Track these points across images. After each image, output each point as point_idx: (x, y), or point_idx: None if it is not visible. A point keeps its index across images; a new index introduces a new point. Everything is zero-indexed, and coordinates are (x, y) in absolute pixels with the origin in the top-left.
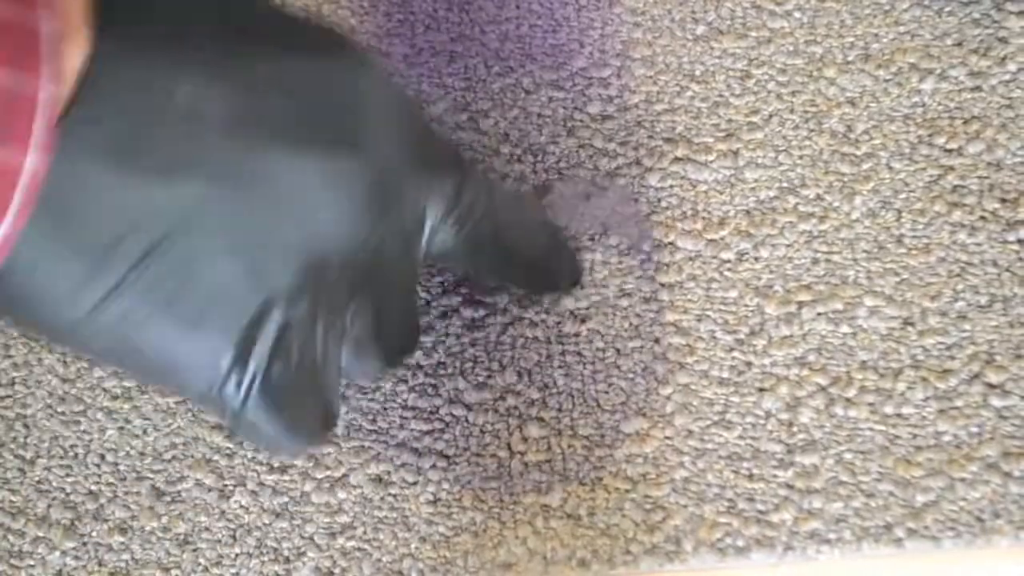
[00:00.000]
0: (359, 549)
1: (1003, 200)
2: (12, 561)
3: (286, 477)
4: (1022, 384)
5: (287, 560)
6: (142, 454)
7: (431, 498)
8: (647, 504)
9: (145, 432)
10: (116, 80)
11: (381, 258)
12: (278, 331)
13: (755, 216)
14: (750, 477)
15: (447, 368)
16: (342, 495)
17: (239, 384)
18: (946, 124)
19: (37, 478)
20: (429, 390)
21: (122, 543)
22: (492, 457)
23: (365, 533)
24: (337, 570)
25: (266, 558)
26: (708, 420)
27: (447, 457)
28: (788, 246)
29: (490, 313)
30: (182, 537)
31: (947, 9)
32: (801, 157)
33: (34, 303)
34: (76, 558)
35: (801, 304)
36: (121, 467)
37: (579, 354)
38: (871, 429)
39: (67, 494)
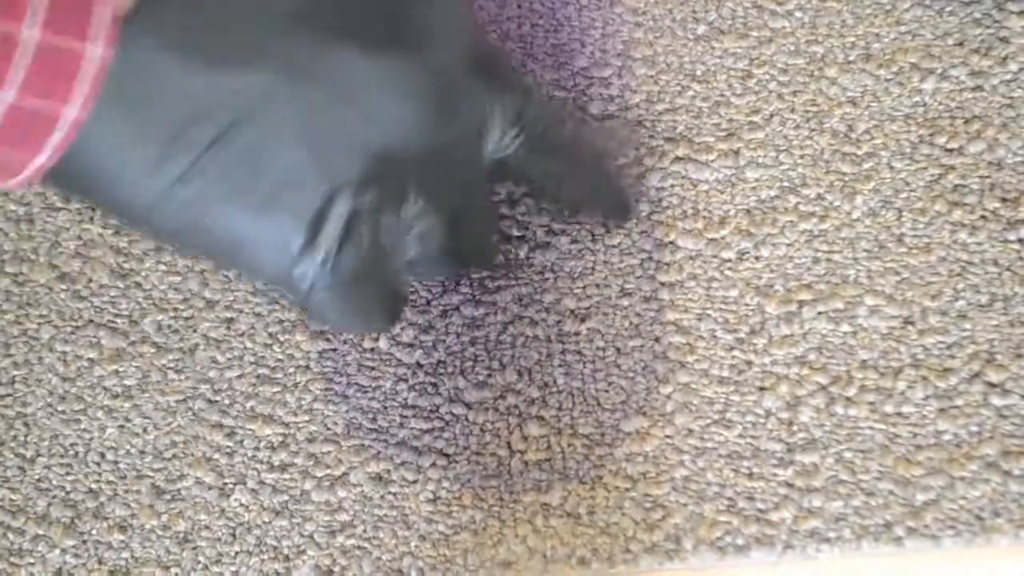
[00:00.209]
0: (359, 547)
1: (1004, 199)
2: (12, 559)
3: (286, 475)
4: (1022, 383)
5: (287, 558)
6: (142, 452)
7: (431, 496)
8: (647, 502)
9: (145, 430)
10: None
11: (446, 158)
12: (347, 218)
13: (756, 215)
14: (750, 476)
15: (447, 367)
16: (342, 493)
17: (309, 267)
18: (947, 124)
19: (37, 476)
20: (429, 388)
21: (122, 541)
22: (492, 455)
23: (365, 531)
24: (337, 568)
25: (266, 556)
26: (708, 419)
27: (447, 455)
28: (789, 245)
29: (490, 312)
30: (182, 535)
31: (948, 9)
32: (802, 156)
33: (111, 185)
34: (76, 556)
35: (802, 303)
36: (121, 465)
37: (579, 353)
38: (871, 428)
39: (67, 492)
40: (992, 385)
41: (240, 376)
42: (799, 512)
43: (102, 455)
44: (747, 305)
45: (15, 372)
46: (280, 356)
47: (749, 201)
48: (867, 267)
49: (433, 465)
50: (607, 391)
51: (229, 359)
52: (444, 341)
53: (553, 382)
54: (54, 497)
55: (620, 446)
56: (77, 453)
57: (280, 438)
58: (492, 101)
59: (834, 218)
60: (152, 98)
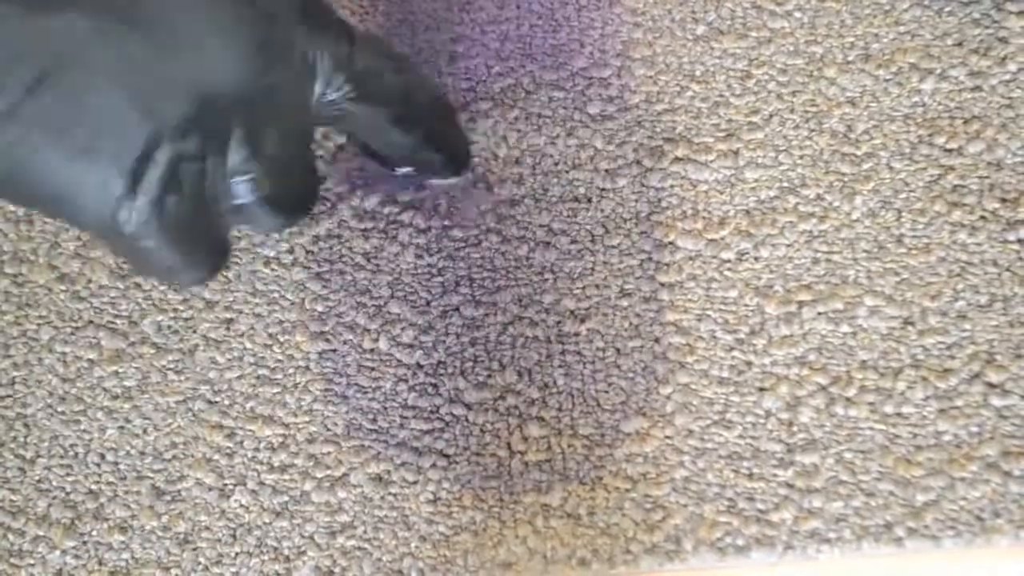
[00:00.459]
0: (359, 548)
1: (1003, 200)
2: (12, 560)
3: (286, 476)
4: (1022, 384)
5: (287, 559)
6: (142, 453)
7: (431, 497)
8: (647, 503)
9: (145, 431)
10: None
11: (270, 104)
12: (168, 163)
13: (755, 216)
14: (750, 476)
15: (447, 367)
16: (342, 494)
17: (131, 211)
18: (946, 124)
19: (37, 477)
20: (429, 389)
21: (122, 542)
22: (492, 456)
23: (365, 532)
24: (337, 569)
25: (266, 557)
26: (708, 419)
27: (447, 456)
28: (788, 246)
29: (490, 312)
30: (182, 536)
31: (947, 9)
32: (801, 157)
33: None
34: (76, 557)
35: (801, 304)
36: (121, 466)
37: (579, 353)
38: (871, 428)
39: (67, 493)
40: (992, 386)
41: (240, 377)
42: (799, 513)
43: (102, 456)
44: (747, 306)
45: (15, 373)
46: (280, 357)
47: (748, 201)
48: (867, 267)
49: (433, 466)
50: (607, 392)
51: (229, 360)
52: (444, 342)
53: (553, 383)
54: (54, 498)
55: (620, 447)
56: (77, 454)
57: (280, 439)
58: (318, 47)
59: (833, 219)
60: None
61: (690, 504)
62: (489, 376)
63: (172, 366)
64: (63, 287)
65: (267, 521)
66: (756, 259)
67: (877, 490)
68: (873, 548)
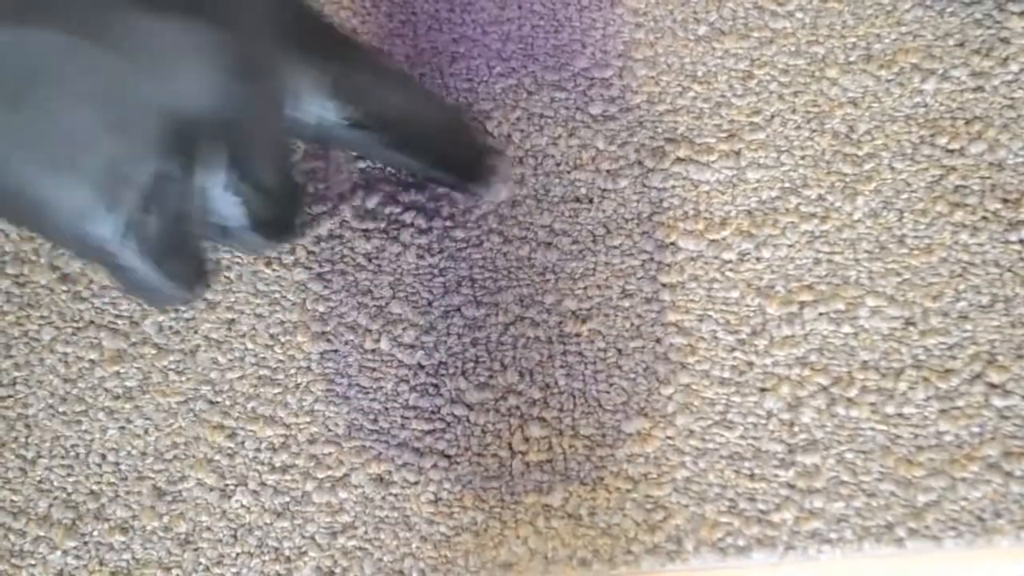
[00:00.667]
0: (360, 549)
1: (1005, 200)
2: (13, 560)
3: (287, 477)
4: (1023, 384)
5: (288, 560)
6: (143, 454)
7: (432, 498)
8: (648, 504)
9: (146, 432)
10: None
11: (252, 128)
12: (147, 182)
13: (757, 216)
14: (751, 477)
15: (448, 368)
16: (343, 495)
17: (109, 231)
18: (948, 124)
19: (38, 478)
20: (431, 390)
21: (123, 543)
22: (493, 457)
23: (366, 532)
24: (338, 570)
25: (267, 558)
26: (710, 420)
27: (448, 457)
28: (790, 246)
29: (491, 313)
30: (183, 537)
31: (949, 9)
32: (803, 157)
33: None
34: (77, 557)
35: (803, 304)
36: (122, 467)
37: (581, 354)
38: (872, 429)
39: (68, 494)
40: (993, 386)
41: (241, 377)
42: (800, 513)
43: (103, 456)
44: (748, 306)
45: (16, 373)
46: (281, 357)
47: (750, 202)
48: (868, 268)
49: (434, 466)
50: (608, 392)
51: (230, 360)
52: (445, 342)
53: (554, 383)
54: (55, 498)
55: (621, 447)
56: (78, 454)
57: (281, 439)
58: (305, 71)
59: (835, 219)
60: None
61: (691, 504)
62: (491, 376)
63: (173, 366)
64: (64, 288)
65: (268, 521)
66: (758, 260)
67: (878, 490)
68: (874, 548)
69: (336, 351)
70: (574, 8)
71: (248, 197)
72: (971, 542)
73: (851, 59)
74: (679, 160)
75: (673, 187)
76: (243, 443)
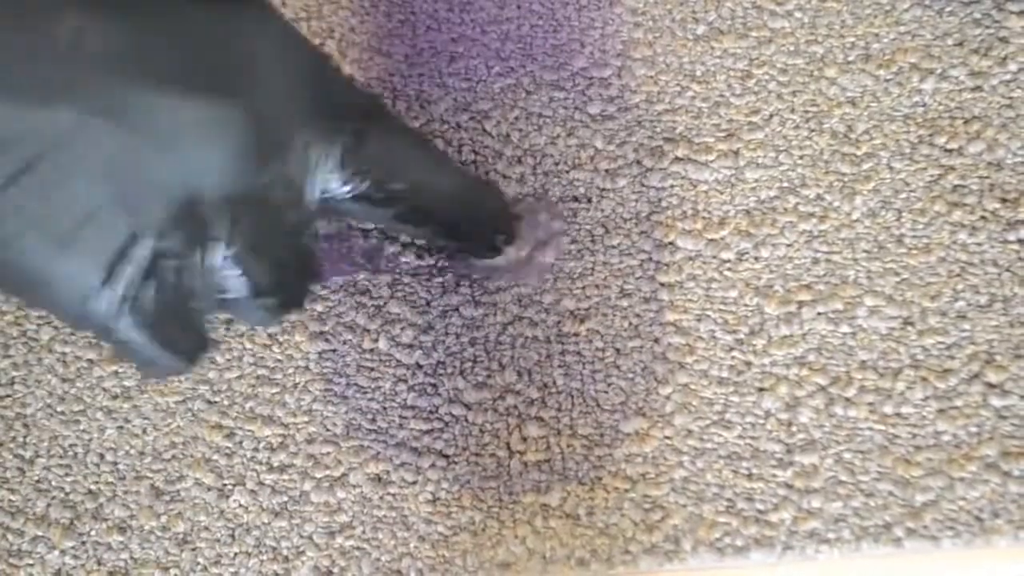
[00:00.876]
0: (358, 548)
1: (1003, 200)
2: (11, 560)
3: (285, 476)
4: (1022, 384)
5: (286, 559)
6: (141, 453)
7: (430, 497)
8: (646, 503)
9: (144, 431)
10: None
11: (262, 203)
12: (147, 260)
13: (755, 216)
14: (749, 476)
15: (447, 367)
16: (341, 494)
17: (110, 303)
18: (947, 124)
19: (36, 477)
20: (429, 389)
21: (121, 542)
22: (491, 456)
23: (364, 532)
24: (336, 569)
25: (265, 557)
26: (707, 420)
27: (446, 456)
28: (788, 246)
29: (490, 313)
30: (181, 536)
31: (948, 9)
32: (802, 157)
33: None
34: (75, 557)
35: (801, 304)
36: (120, 466)
37: (579, 354)
38: (870, 429)
39: (66, 493)
40: (991, 386)
41: (239, 377)
42: (798, 513)
43: (101, 456)
44: (746, 306)
45: (14, 373)
46: (279, 357)
47: (749, 202)
48: (867, 268)
49: (432, 466)
50: (606, 392)
51: (228, 360)
52: (444, 342)
53: (552, 383)
54: (53, 498)
55: (619, 447)
56: (76, 454)
57: (279, 439)
58: (320, 147)
59: (833, 219)
60: None
61: (689, 504)
62: (488, 376)
63: None
64: None
65: (266, 521)
66: (756, 259)
67: (876, 490)
68: (872, 548)
69: (334, 351)
70: (573, 8)
71: (252, 273)
72: (969, 542)
73: (850, 59)
74: (677, 159)
75: (671, 186)
76: (241, 443)
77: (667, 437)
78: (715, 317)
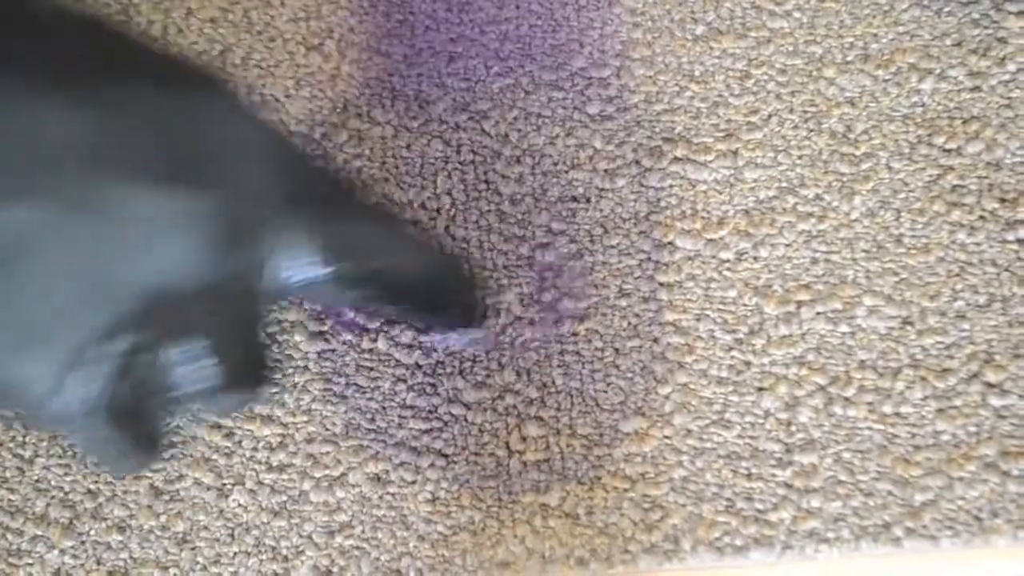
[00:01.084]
0: (357, 548)
1: (1002, 200)
2: (11, 559)
3: (284, 476)
4: (1021, 383)
5: (285, 559)
6: None
7: (429, 497)
8: (646, 503)
9: None
10: None
11: (235, 291)
12: (119, 355)
13: (754, 216)
14: (749, 476)
15: (446, 367)
16: (340, 494)
17: (79, 401)
18: (945, 124)
19: (36, 477)
20: (428, 389)
21: (120, 542)
22: (491, 456)
23: (363, 532)
24: (335, 569)
25: (264, 557)
26: (707, 419)
27: (445, 456)
28: (787, 246)
29: (490, 313)
30: (180, 536)
31: (946, 9)
32: (800, 157)
33: None
34: (74, 556)
35: (800, 303)
36: None
37: (578, 353)
38: (870, 428)
39: (66, 493)
40: (990, 385)
41: None
42: (798, 512)
43: None
44: (745, 305)
45: None
46: (278, 356)
47: (747, 201)
48: (865, 267)
49: (432, 465)
50: (605, 391)
51: None
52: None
53: (552, 382)
54: (52, 497)
55: (619, 447)
56: (75, 454)
57: (279, 439)
58: (288, 233)
59: (832, 218)
60: None
61: (688, 504)
62: (488, 376)
63: None
64: None
65: (265, 520)
66: (755, 259)
67: (875, 490)
68: (871, 548)
69: (334, 350)
70: (572, 8)
71: (222, 366)
72: (968, 541)
73: (848, 59)
74: (676, 159)
75: (670, 186)
76: (240, 442)
77: (666, 437)
78: (714, 317)
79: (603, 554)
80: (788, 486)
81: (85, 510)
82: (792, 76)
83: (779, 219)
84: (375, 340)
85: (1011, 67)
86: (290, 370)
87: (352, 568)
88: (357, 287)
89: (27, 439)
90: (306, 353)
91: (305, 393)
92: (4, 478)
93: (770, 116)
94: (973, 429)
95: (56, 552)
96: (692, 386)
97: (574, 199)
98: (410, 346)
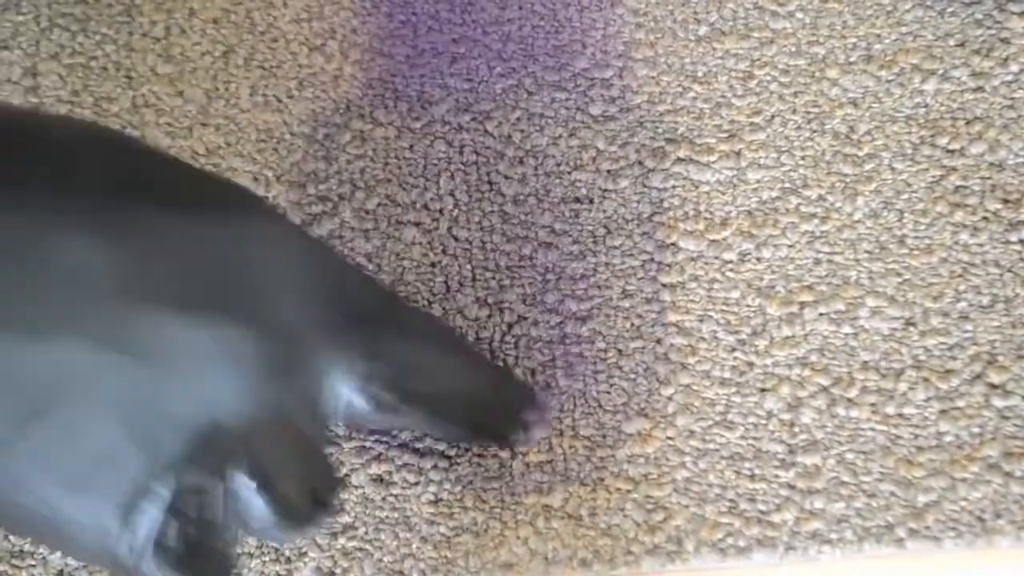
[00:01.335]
0: (360, 549)
1: (1005, 201)
2: (13, 561)
3: None
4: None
5: (288, 560)
6: None
7: (432, 498)
8: (649, 504)
9: None
10: None
11: (285, 422)
12: (170, 495)
13: (757, 217)
14: (752, 477)
15: None
16: (343, 495)
17: (131, 546)
18: (948, 125)
19: None
20: None
21: None
22: (494, 457)
23: (366, 533)
24: (338, 570)
25: (267, 558)
26: (710, 420)
27: (448, 457)
28: (790, 247)
29: (494, 313)
30: None
31: (950, 10)
32: (803, 158)
33: None
34: None
35: (803, 304)
36: None
37: (581, 355)
38: (873, 429)
39: None
40: (994, 386)
41: None
42: (801, 514)
43: None
44: (749, 307)
45: None
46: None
47: (750, 202)
48: (868, 268)
49: (435, 467)
50: (608, 393)
51: None
52: None
53: (555, 383)
54: None
55: (622, 448)
56: None
57: None
58: (337, 361)
59: (835, 219)
60: None
61: (692, 505)
62: None
63: None
64: None
65: None
66: (758, 260)
67: (878, 491)
68: (874, 549)
69: None
70: (574, 8)
71: (277, 499)
72: (971, 542)
73: (851, 59)
74: (679, 160)
75: (673, 187)
76: None
77: (669, 438)
78: (717, 318)
79: (606, 555)
80: (791, 487)
81: None
82: (795, 77)
83: (782, 220)
84: None
85: (1014, 68)
86: None
87: (355, 570)
88: (408, 413)
89: None
90: None
91: None
92: None
93: (773, 117)
94: (976, 430)
95: (59, 554)
96: (695, 387)
97: (577, 200)
98: None
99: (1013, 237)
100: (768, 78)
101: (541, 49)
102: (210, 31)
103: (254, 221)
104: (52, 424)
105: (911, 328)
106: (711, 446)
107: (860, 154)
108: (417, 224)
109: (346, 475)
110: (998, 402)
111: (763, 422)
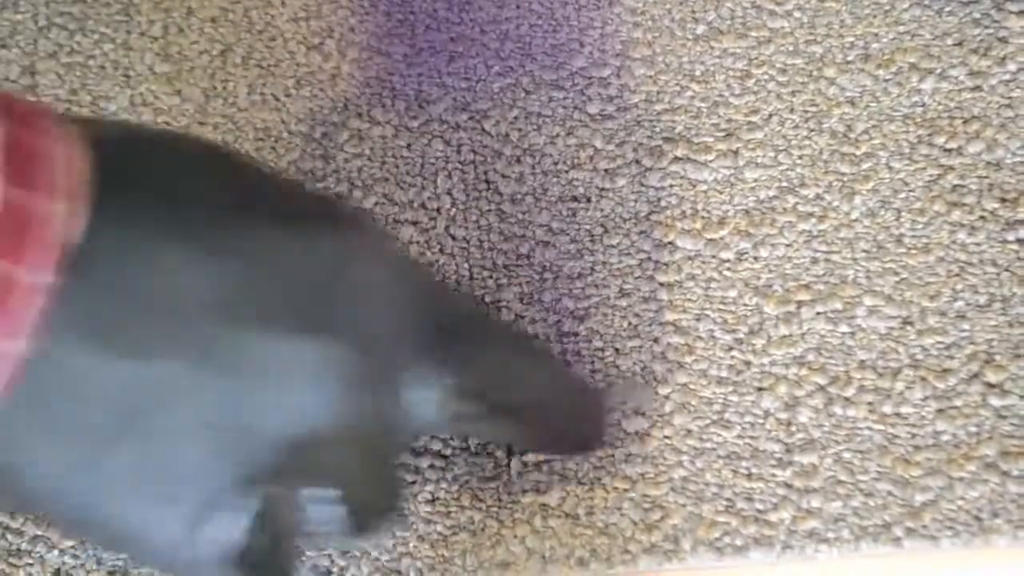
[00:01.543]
0: (357, 548)
1: (1003, 200)
2: (11, 560)
3: None
4: (1021, 383)
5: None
6: None
7: (429, 497)
8: (646, 503)
9: None
10: (100, 260)
11: (372, 437)
12: (247, 510)
13: (754, 216)
14: (749, 476)
15: None
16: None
17: (210, 556)
18: (946, 124)
19: None
20: None
21: None
22: (490, 456)
23: None
24: (335, 569)
25: None
26: (707, 419)
27: (445, 456)
28: (787, 245)
29: (491, 311)
30: None
31: (947, 9)
32: (801, 157)
33: (6, 471)
34: (74, 556)
35: (800, 303)
36: None
37: (578, 353)
38: (870, 428)
39: None
40: (991, 386)
41: None
42: (798, 512)
43: None
44: (746, 305)
45: None
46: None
47: (748, 201)
48: (866, 267)
49: (431, 466)
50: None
51: None
52: None
53: None
54: None
55: (619, 447)
56: None
57: None
58: (426, 377)
59: (833, 218)
60: (61, 388)
61: (688, 504)
62: None
63: None
64: None
65: None
66: (755, 259)
67: (875, 490)
68: (871, 548)
69: None
70: (572, 7)
71: (356, 512)
72: (968, 542)
73: (849, 58)
74: (677, 159)
75: (671, 186)
76: None
77: (666, 437)
78: (714, 317)
79: (603, 554)
80: (788, 486)
81: None
82: (793, 76)
83: (779, 219)
84: None
85: (1012, 67)
86: None
87: (352, 568)
88: (495, 427)
89: None
90: None
91: None
92: None
93: (771, 116)
94: (973, 429)
95: (56, 552)
96: (692, 386)
97: (574, 199)
98: None
99: (1010, 236)
100: (766, 77)
101: (539, 48)
102: (208, 30)
103: (352, 235)
104: (137, 438)
105: (908, 327)
106: (708, 445)
107: (857, 153)
108: (414, 223)
109: None
110: (995, 401)
111: (760, 421)
